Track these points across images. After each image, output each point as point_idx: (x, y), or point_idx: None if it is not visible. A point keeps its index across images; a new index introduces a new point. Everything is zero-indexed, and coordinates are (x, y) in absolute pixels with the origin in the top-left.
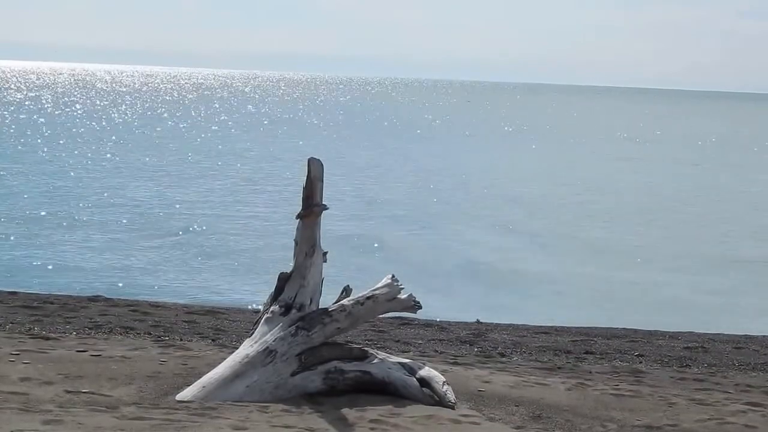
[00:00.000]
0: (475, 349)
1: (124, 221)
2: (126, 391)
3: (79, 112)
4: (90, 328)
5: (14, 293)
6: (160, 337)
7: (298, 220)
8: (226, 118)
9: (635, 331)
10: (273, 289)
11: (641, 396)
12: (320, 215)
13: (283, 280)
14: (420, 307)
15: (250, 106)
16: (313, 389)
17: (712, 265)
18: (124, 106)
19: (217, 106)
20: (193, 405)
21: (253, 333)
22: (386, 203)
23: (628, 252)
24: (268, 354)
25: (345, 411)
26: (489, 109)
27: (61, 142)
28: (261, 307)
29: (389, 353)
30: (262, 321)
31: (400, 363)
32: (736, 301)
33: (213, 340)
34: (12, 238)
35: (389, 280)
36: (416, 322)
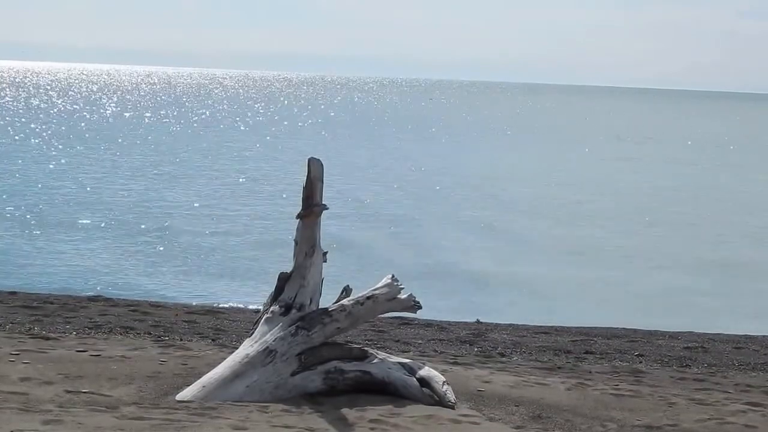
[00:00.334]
0: (475, 349)
1: (124, 221)
2: (126, 391)
3: (79, 111)
4: (90, 328)
5: (14, 293)
6: (160, 337)
7: (298, 220)
8: (225, 118)
9: (635, 331)
10: (273, 289)
11: (641, 396)
12: (320, 215)
13: (283, 280)
14: (420, 307)
15: (249, 106)
16: (313, 389)
17: (713, 265)
18: (125, 107)
19: (217, 106)
20: (193, 405)
21: (253, 333)
22: (386, 203)
23: (628, 252)
24: (268, 354)
25: (345, 411)
26: (487, 109)
27: (61, 142)
28: (261, 307)
29: (389, 353)
30: (262, 321)
31: (400, 363)
32: (736, 301)
33: (213, 340)
34: (12, 238)
35: (389, 280)
36: (416, 322)
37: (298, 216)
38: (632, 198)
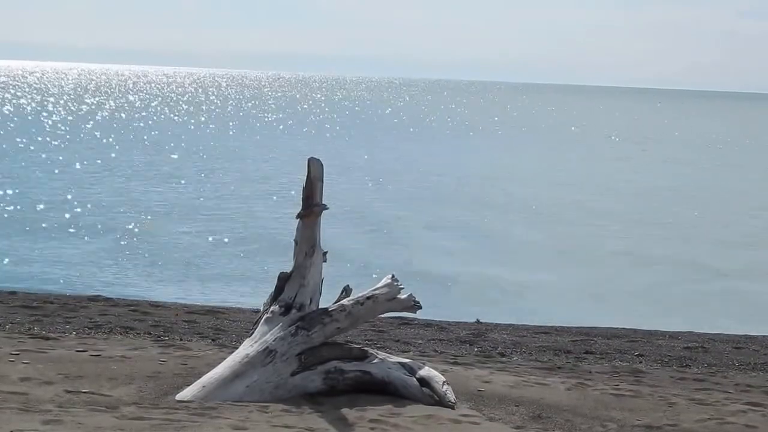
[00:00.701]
0: (475, 349)
1: (123, 221)
2: (126, 391)
3: (79, 112)
4: (90, 328)
5: (14, 293)
6: (160, 337)
7: (298, 220)
8: (225, 117)
9: (635, 331)
10: (273, 289)
11: (641, 396)
12: (320, 215)
13: (283, 280)
14: (420, 307)
15: (250, 106)
16: (313, 389)
17: (713, 265)
18: (124, 106)
19: (217, 106)
20: (192, 405)
21: (253, 333)
22: (386, 203)
23: (628, 252)
24: (268, 354)
25: (345, 411)
26: (488, 108)
27: (60, 142)
28: (261, 307)
29: (389, 353)
30: (262, 321)
31: (400, 363)
32: (736, 302)
33: (213, 339)
34: (12, 238)
35: (389, 280)
36: (416, 322)
37: (298, 216)
38: (632, 198)
